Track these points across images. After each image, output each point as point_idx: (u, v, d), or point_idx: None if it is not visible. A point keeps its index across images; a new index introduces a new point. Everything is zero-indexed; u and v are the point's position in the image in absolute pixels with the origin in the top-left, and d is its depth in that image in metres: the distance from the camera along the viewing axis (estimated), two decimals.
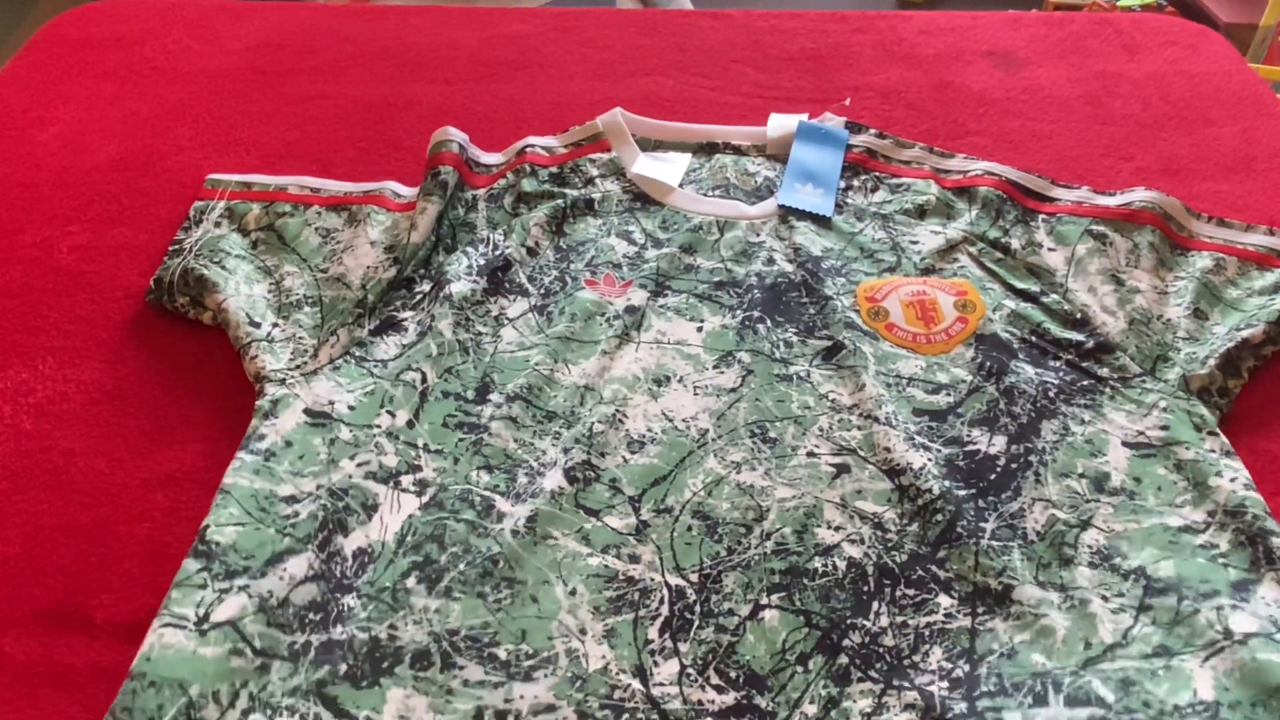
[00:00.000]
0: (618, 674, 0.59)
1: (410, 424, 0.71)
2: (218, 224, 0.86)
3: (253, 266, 0.82)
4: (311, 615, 0.61)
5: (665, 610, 0.62)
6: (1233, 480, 0.68)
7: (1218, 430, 0.72)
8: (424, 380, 0.74)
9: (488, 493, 0.68)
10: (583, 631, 0.61)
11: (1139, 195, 0.87)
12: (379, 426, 0.71)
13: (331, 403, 0.72)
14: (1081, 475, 0.70)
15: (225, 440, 0.73)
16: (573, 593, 0.63)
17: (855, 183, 0.92)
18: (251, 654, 0.59)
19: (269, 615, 0.61)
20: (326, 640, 0.60)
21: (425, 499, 0.67)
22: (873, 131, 0.95)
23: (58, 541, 0.67)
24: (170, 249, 0.84)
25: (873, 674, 0.60)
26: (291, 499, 0.67)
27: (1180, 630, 0.61)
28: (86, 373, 0.78)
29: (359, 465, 0.69)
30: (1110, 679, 0.59)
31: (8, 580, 0.65)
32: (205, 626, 0.60)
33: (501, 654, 0.60)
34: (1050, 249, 0.84)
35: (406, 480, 0.68)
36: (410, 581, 0.62)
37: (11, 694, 0.60)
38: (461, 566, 0.63)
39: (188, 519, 0.68)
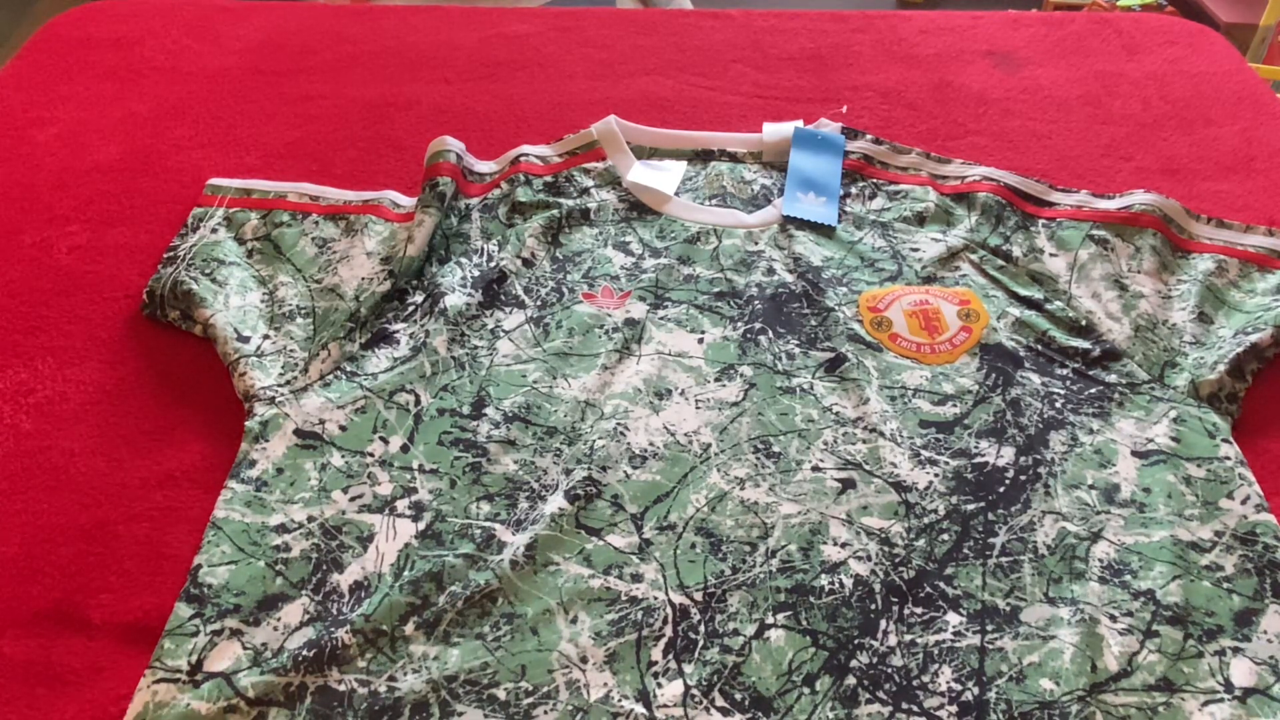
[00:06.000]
0: (620, 700, 0.59)
1: (405, 448, 0.71)
2: (214, 230, 0.85)
3: (247, 274, 0.82)
4: (305, 652, 0.60)
5: (669, 630, 0.62)
6: (1244, 501, 0.68)
7: (1231, 438, 0.72)
8: (418, 402, 0.73)
9: (488, 523, 0.67)
10: (584, 660, 0.60)
11: (1138, 198, 0.87)
12: (372, 455, 0.70)
13: (322, 422, 0.72)
14: (1091, 486, 0.69)
15: (225, 440, 0.73)
16: (574, 620, 0.62)
17: (853, 190, 0.91)
18: (246, 706, 0.58)
19: (263, 666, 0.60)
20: (323, 685, 0.59)
21: (422, 525, 0.66)
22: (869, 137, 0.95)
23: (57, 541, 0.67)
24: (165, 256, 0.83)
25: (881, 695, 0.59)
26: (282, 528, 0.66)
27: (1183, 667, 0.61)
28: (86, 373, 0.78)
29: (352, 499, 0.68)
30: (1112, 715, 0.59)
31: (6, 580, 0.65)
32: (199, 676, 0.59)
33: (501, 694, 0.59)
34: (1052, 255, 0.84)
35: (402, 505, 0.68)
36: (408, 628, 0.61)
37: (9, 694, 0.60)
38: (460, 605, 0.62)
39: (187, 519, 0.68)
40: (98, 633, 0.63)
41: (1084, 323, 0.79)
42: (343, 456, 0.70)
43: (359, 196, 0.89)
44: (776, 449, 0.71)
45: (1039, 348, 0.78)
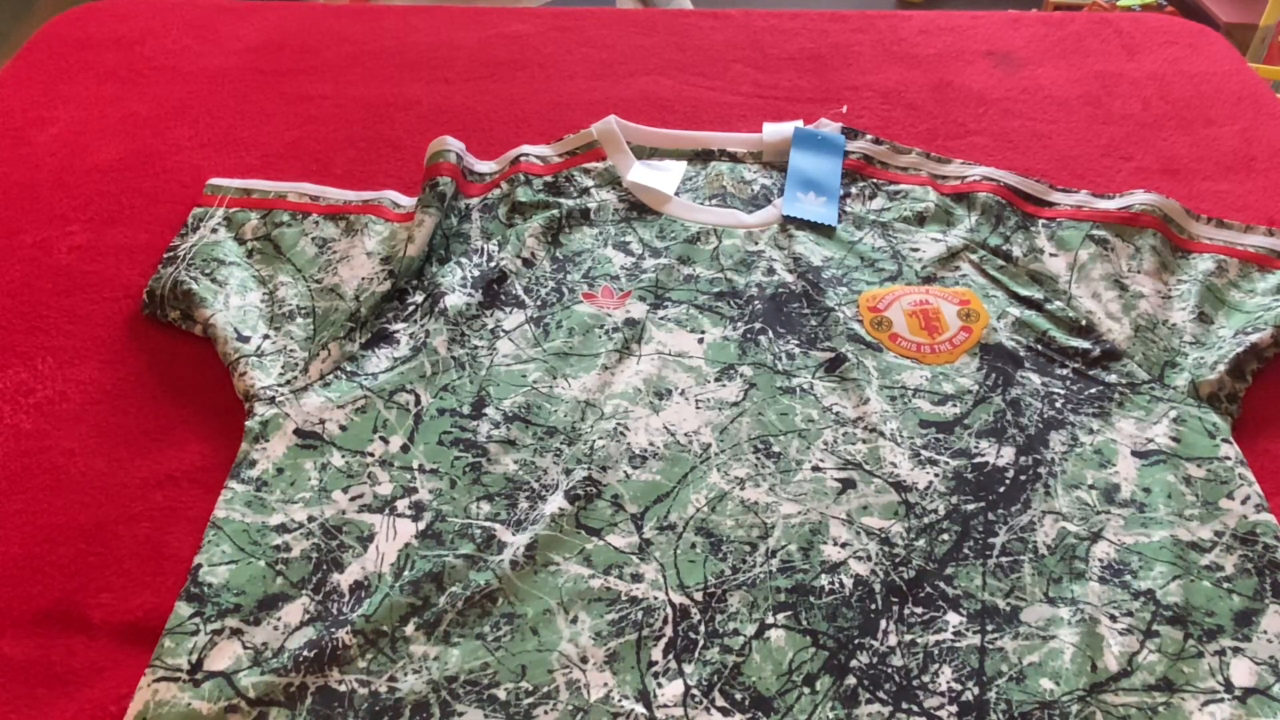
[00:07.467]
0: (620, 700, 0.59)
1: (405, 448, 0.71)
2: (214, 230, 0.85)
3: (247, 274, 0.82)
4: (305, 653, 0.60)
5: (669, 630, 0.62)
6: (1244, 501, 0.68)
7: (1231, 438, 0.72)
8: (418, 402, 0.73)
9: (488, 523, 0.67)
10: (584, 660, 0.60)
11: (1138, 198, 0.87)
12: (372, 455, 0.70)
13: (322, 421, 0.72)
14: (1091, 486, 0.69)
15: (225, 440, 0.73)
16: (574, 620, 0.62)
17: (853, 190, 0.91)
18: (247, 705, 0.58)
19: (264, 666, 0.60)
20: (324, 685, 0.59)
21: (422, 525, 0.66)
22: (869, 137, 0.95)
23: (57, 541, 0.67)
24: (165, 256, 0.83)
25: (881, 695, 0.59)
26: (282, 528, 0.66)
27: (1183, 667, 0.61)
28: (86, 373, 0.78)
29: (352, 499, 0.68)
30: (1112, 715, 0.59)
31: (6, 580, 0.65)
32: (199, 675, 0.59)
33: (501, 694, 0.59)
34: (1052, 255, 0.84)
35: (402, 504, 0.68)
36: (409, 628, 0.61)
37: (10, 694, 0.60)
38: (460, 605, 0.62)
39: (187, 519, 0.68)
40: (98, 633, 0.63)
41: (1084, 323, 0.79)
42: (343, 456, 0.70)
43: (359, 196, 0.89)
44: (776, 449, 0.71)
45: (1039, 348, 0.78)
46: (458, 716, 0.58)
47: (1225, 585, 0.64)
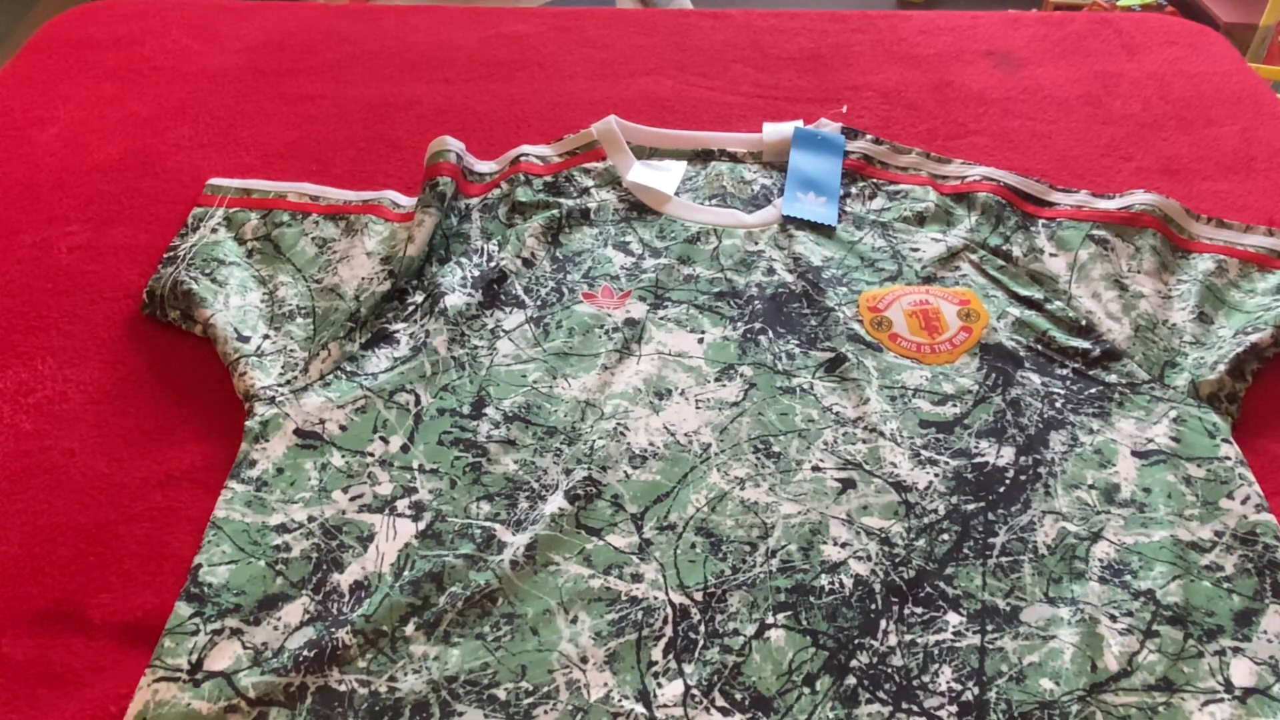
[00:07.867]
0: (620, 700, 0.59)
1: (405, 448, 0.71)
2: (214, 230, 0.85)
3: (247, 274, 0.82)
4: (305, 652, 0.60)
5: (669, 630, 0.62)
6: (1244, 501, 0.68)
7: (1231, 438, 0.72)
8: (418, 402, 0.73)
9: (488, 523, 0.67)
10: (584, 660, 0.60)
11: (1138, 198, 0.87)
12: (372, 455, 0.70)
13: (322, 421, 0.72)
14: (1091, 486, 0.69)
15: (225, 440, 0.73)
16: (574, 620, 0.62)
17: (853, 190, 0.91)
18: (247, 705, 0.58)
19: (264, 666, 0.60)
20: (324, 685, 0.59)
21: (422, 525, 0.66)
22: (869, 137, 0.95)
23: (57, 541, 0.67)
24: (165, 256, 0.84)
25: (881, 695, 0.59)
26: (282, 528, 0.66)
27: (1184, 667, 0.61)
28: (86, 373, 0.78)
29: (352, 499, 0.68)
30: (1112, 715, 0.59)
31: (6, 580, 0.65)
32: (199, 676, 0.59)
33: (501, 694, 0.59)
34: (1052, 255, 0.84)
35: (402, 504, 0.68)
36: (409, 628, 0.61)
37: (9, 694, 0.60)
38: (460, 605, 0.62)
39: (187, 519, 0.68)
40: (98, 633, 0.63)
41: (1084, 323, 0.79)
42: (343, 456, 0.70)
43: (359, 196, 0.89)
44: (776, 449, 0.71)
45: (1039, 348, 0.78)
46: (458, 716, 0.58)
47: (1225, 585, 0.64)
